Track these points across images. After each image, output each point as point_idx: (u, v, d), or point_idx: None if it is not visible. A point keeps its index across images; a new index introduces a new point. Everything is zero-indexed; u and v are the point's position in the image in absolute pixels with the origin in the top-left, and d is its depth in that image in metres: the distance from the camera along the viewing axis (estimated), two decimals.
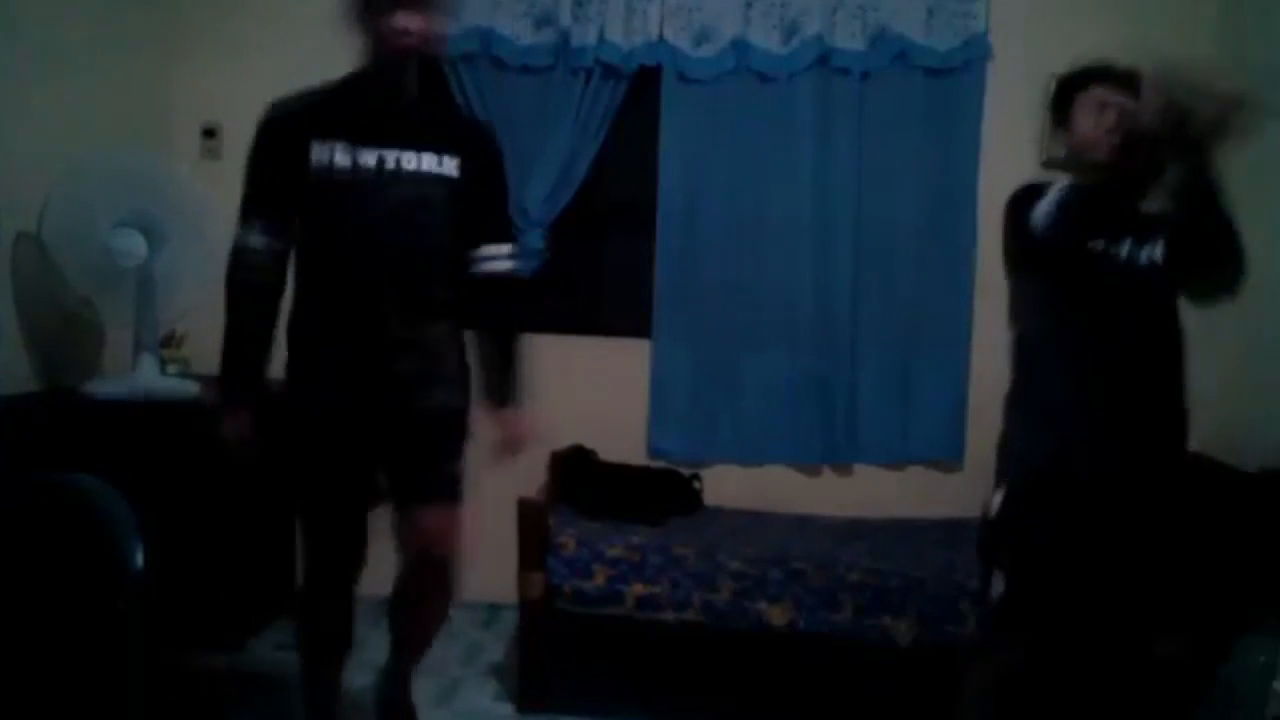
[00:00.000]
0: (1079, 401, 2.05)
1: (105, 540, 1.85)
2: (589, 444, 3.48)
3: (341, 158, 2.00)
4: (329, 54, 3.54)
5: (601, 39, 3.44)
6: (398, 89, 2.04)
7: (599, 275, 3.80)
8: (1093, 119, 2.04)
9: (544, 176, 3.47)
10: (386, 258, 2.04)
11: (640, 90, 3.52)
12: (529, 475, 3.25)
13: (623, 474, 3.39)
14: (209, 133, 3.60)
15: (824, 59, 3.43)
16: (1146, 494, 2.07)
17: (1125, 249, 2.02)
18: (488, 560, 3.10)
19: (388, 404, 2.11)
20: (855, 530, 3.25)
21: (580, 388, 3.61)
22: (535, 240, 3.50)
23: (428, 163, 2.05)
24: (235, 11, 3.59)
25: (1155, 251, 2.01)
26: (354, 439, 2.12)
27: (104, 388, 2.76)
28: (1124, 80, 2.03)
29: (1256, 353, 3.07)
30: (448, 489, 2.21)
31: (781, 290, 3.52)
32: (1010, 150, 3.43)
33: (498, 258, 2.20)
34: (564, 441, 3.44)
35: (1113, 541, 2.05)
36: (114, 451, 2.48)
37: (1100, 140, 2.03)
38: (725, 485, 3.54)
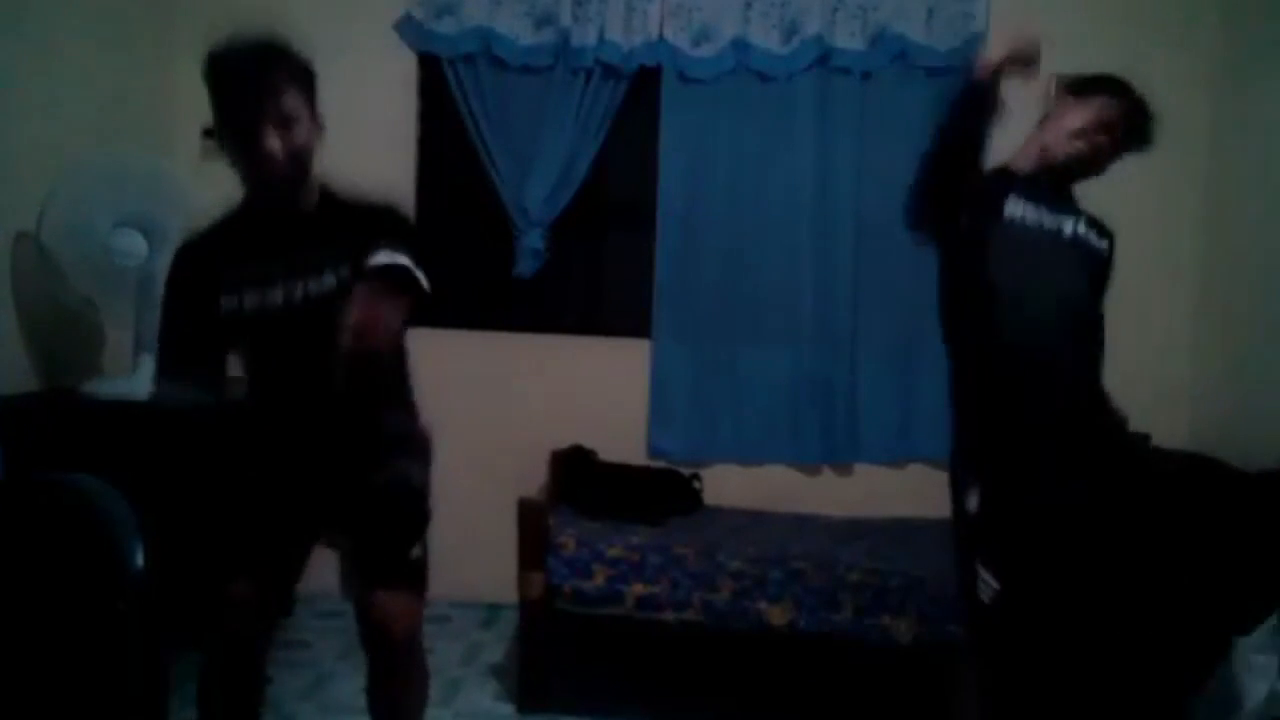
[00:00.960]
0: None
1: (105, 540, 1.85)
2: (589, 444, 3.47)
3: (250, 302, 1.88)
4: (329, 54, 3.57)
5: (601, 39, 3.44)
6: (286, 215, 1.90)
7: (599, 275, 3.79)
8: (1066, 137, 2.15)
9: (544, 176, 3.47)
10: (316, 382, 1.90)
11: (640, 90, 3.52)
12: (529, 475, 3.25)
13: (623, 474, 3.39)
14: (209, 133, 3.57)
15: (824, 59, 3.44)
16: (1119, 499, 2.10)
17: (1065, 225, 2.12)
18: (488, 560, 3.12)
19: (336, 481, 2.01)
20: (855, 530, 3.25)
21: (580, 388, 3.61)
22: (535, 240, 3.50)
23: (328, 282, 1.88)
24: (235, 12, 3.58)
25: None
26: (296, 507, 2.02)
27: (104, 388, 2.76)
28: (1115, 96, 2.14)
29: (1257, 353, 3.06)
30: (407, 574, 2.06)
31: (781, 290, 3.52)
32: (1010, 150, 3.42)
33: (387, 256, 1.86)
34: (564, 441, 3.44)
35: (1098, 543, 2.07)
36: (114, 451, 2.47)
37: (1059, 155, 2.16)
38: (725, 485, 3.54)
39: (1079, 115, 2.15)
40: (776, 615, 2.78)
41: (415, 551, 2.08)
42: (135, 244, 2.73)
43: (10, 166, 2.68)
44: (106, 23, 3.16)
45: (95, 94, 3.09)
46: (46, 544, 1.87)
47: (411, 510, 2.10)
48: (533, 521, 2.85)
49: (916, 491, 3.56)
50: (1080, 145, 2.13)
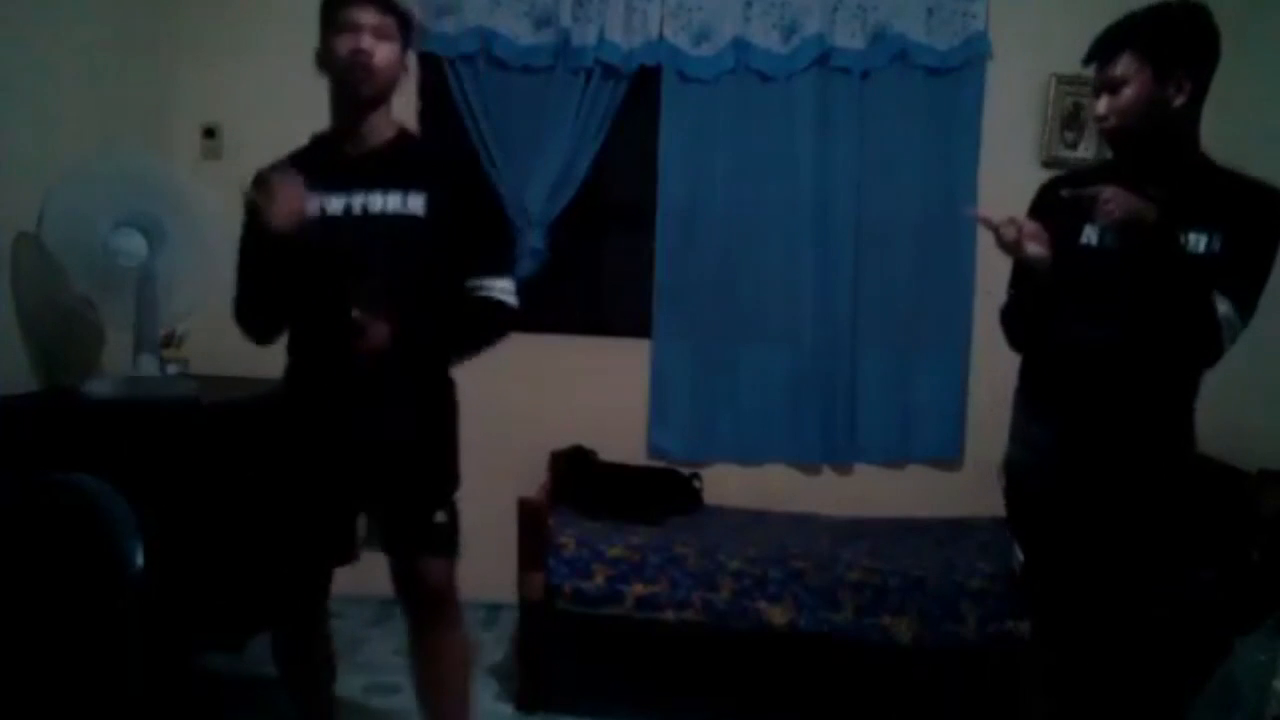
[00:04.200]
0: (1070, 391, 2.05)
1: (105, 540, 1.85)
2: (589, 444, 3.47)
3: (310, 208, 1.98)
4: None
5: (601, 39, 3.44)
6: (360, 127, 2.04)
7: (599, 275, 3.80)
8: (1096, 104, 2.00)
9: (544, 176, 3.47)
10: (357, 298, 1.97)
11: (640, 90, 3.52)
12: (529, 475, 3.25)
13: (622, 474, 3.39)
14: (209, 133, 3.60)
15: (824, 58, 3.43)
16: (1135, 482, 2.06)
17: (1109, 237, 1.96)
18: (488, 560, 3.11)
19: (361, 444, 2.06)
20: (855, 530, 3.25)
21: (580, 388, 3.61)
22: (535, 240, 3.50)
23: (393, 203, 2.02)
24: (235, 11, 3.59)
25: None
26: (327, 477, 2.09)
27: (104, 388, 2.76)
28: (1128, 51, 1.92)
29: (1257, 353, 3.06)
30: (429, 539, 2.13)
31: (781, 290, 3.52)
32: (1010, 150, 3.43)
33: (492, 289, 2.09)
34: (564, 441, 3.44)
35: (1103, 517, 2.06)
36: (114, 451, 2.47)
37: (1101, 125, 2.00)
38: (725, 485, 3.54)
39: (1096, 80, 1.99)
40: (776, 615, 2.78)
41: (439, 516, 2.13)
42: (135, 244, 2.73)
43: (10, 166, 2.68)
44: (106, 23, 3.16)
45: (95, 94, 3.08)
46: (46, 544, 1.87)
47: (435, 475, 2.16)
48: (533, 521, 2.85)
49: (916, 491, 3.56)
50: (1103, 111, 1.95)
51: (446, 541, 2.15)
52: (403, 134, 2.11)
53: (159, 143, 3.44)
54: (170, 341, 3.12)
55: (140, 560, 1.86)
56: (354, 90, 2.00)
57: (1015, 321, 2.16)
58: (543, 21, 3.47)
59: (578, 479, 3.32)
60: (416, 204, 2.02)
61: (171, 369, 3.04)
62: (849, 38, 3.43)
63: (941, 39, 3.43)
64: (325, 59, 2.01)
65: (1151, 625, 2.18)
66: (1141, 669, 2.26)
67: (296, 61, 3.54)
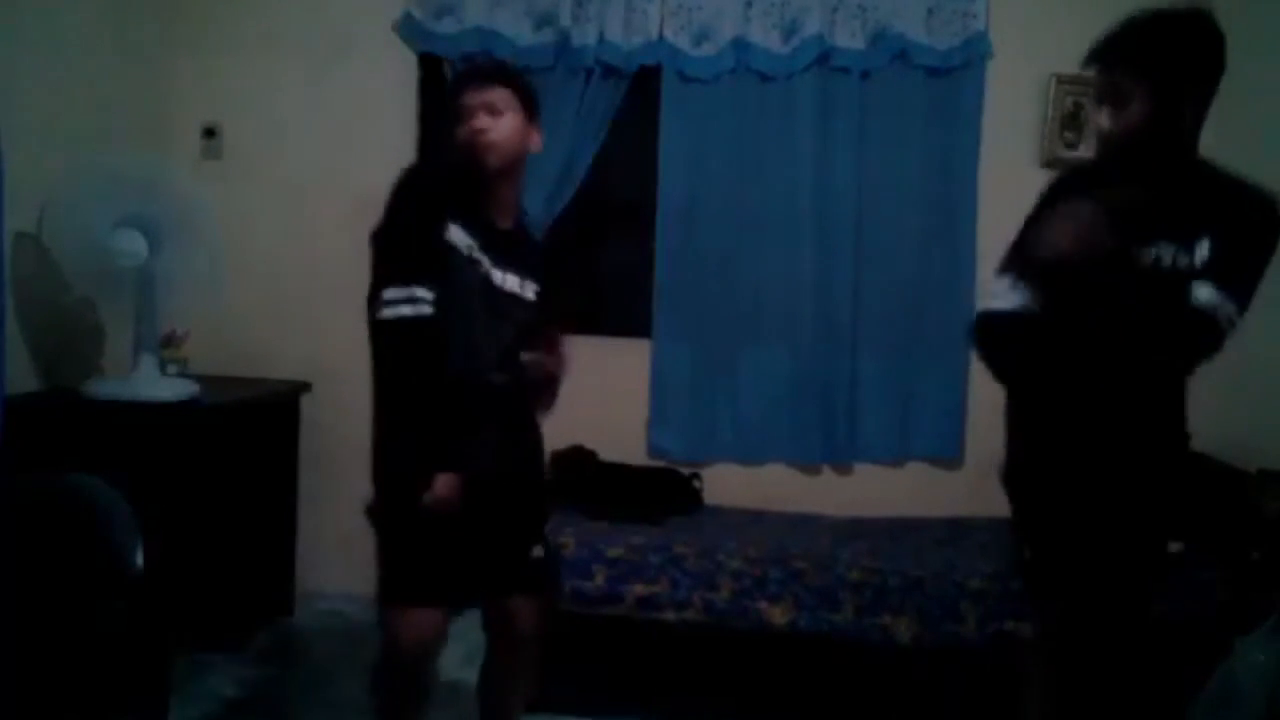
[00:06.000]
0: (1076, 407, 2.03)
1: (105, 540, 1.85)
2: (589, 444, 3.47)
3: (466, 241, 2.02)
4: (329, 54, 3.58)
5: (601, 39, 3.44)
6: (498, 200, 2.12)
7: (599, 275, 3.80)
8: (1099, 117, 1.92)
9: (544, 176, 3.46)
10: (489, 343, 2.08)
11: (640, 90, 3.52)
12: None
13: (623, 474, 3.39)
14: (209, 133, 3.60)
15: (824, 58, 3.43)
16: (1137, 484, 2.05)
17: (1151, 253, 1.88)
18: None
19: (504, 481, 2.14)
20: (855, 529, 3.25)
21: (580, 388, 3.59)
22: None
23: (525, 289, 2.14)
24: (235, 12, 3.59)
25: (1183, 256, 1.88)
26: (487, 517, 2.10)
27: (104, 388, 2.76)
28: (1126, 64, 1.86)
29: (1256, 353, 3.06)
30: (536, 576, 2.23)
31: (781, 290, 3.52)
32: (1010, 150, 3.43)
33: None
34: (564, 441, 3.44)
35: (1106, 514, 2.04)
36: (114, 451, 2.48)
37: (1100, 139, 1.94)
38: (725, 485, 3.54)
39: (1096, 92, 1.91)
40: (776, 615, 2.78)
41: (536, 551, 2.19)
42: (135, 244, 2.73)
43: (10, 166, 2.68)
44: (106, 23, 3.16)
45: (95, 94, 3.09)
46: (46, 544, 1.87)
47: (538, 509, 2.24)
48: None
49: (916, 491, 3.56)
50: (1106, 125, 1.88)
51: (546, 576, 2.24)
52: (520, 217, 2.21)
53: (159, 143, 3.44)
54: (170, 341, 3.12)
55: (140, 560, 1.86)
56: (480, 167, 2.05)
57: (1019, 344, 2.06)
58: (543, 21, 3.47)
59: (578, 479, 3.32)
60: (530, 291, 2.15)
61: (171, 369, 3.04)
62: (849, 38, 3.43)
63: (942, 39, 3.43)
64: (451, 135, 2.08)
65: (1151, 624, 2.17)
66: (1141, 668, 2.26)
67: (296, 62, 3.59)
